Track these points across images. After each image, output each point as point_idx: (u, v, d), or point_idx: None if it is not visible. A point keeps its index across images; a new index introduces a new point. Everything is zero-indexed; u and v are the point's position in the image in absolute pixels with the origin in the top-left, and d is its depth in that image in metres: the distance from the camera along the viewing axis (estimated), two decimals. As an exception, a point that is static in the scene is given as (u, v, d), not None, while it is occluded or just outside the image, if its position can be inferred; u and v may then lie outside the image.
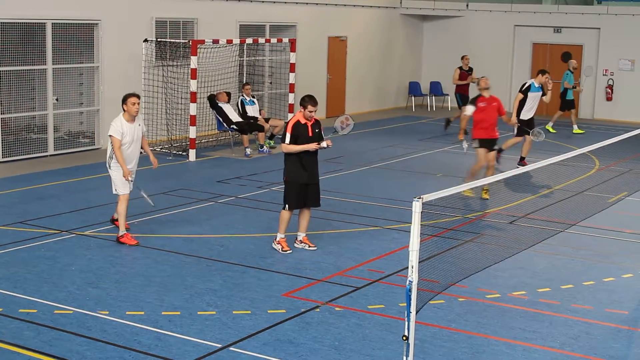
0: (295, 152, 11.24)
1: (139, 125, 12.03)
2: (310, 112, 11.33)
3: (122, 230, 11.70)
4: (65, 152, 18.28)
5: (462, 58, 24.35)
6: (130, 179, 11.76)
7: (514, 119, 17.75)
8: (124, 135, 11.68)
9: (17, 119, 17.82)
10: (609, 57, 27.43)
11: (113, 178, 11.81)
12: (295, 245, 11.64)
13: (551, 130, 24.27)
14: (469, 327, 8.96)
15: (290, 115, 21.14)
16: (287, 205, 11.40)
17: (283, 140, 11.36)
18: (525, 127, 17.78)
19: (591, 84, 27.83)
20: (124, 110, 11.87)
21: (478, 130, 14.81)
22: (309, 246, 11.61)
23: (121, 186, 11.75)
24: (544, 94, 18.35)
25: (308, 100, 11.36)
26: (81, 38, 18.51)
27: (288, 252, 11.38)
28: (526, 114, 18.06)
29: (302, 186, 11.33)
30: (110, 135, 11.71)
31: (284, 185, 11.58)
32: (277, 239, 11.52)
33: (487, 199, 14.63)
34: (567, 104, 24.57)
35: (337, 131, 12.04)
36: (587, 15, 27.70)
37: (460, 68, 24.05)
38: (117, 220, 12.00)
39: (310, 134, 11.36)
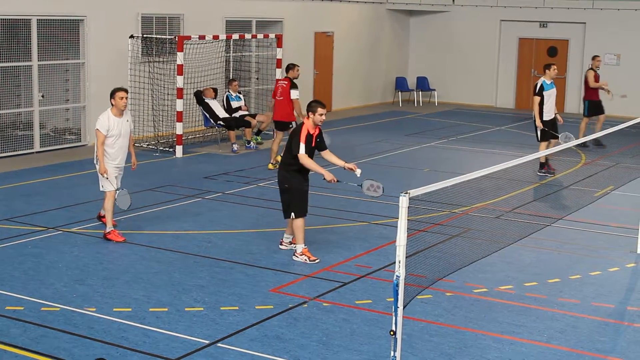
0: (310, 169, 10.68)
1: (127, 120, 11.96)
2: (321, 114, 10.66)
3: (109, 227, 11.67)
4: (51, 149, 18.21)
5: (593, 58, 21.03)
6: (106, 176, 11.67)
7: (539, 124, 16.55)
8: (109, 130, 11.64)
9: (3, 115, 17.73)
10: (595, 52, 27.40)
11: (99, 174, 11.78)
12: (282, 247, 11.37)
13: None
14: (456, 321, 8.98)
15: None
16: (294, 214, 10.84)
17: (296, 149, 10.59)
18: (549, 129, 16.55)
19: (577, 79, 27.91)
20: (112, 104, 11.77)
21: None
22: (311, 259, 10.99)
23: (107, 183, 11.70)
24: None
25: (317, 104, 10.74)
26: (67, 34, 18.43)
27: (316, 261, 10.81)
28: (547, 115, 16.62)
29: (305, 192, 10.94)
30: (96, 129, 11.65)
31: (286, 193, 10.89)
32: (299, 250, 10.89)
33: None
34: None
35: (360, 186, 10.62)
36: (572, 10, 27.77)
37: (593, 69, 20.80)
38: (104, 216, 11.97)
39: (313, 144, 10.80)
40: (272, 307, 9.23)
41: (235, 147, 18.86)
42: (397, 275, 6.79)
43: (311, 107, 10.77)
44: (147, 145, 18.95)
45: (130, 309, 9.03)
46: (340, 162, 10.89)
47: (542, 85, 16.62)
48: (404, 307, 6.93)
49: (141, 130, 19.33)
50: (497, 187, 14.66)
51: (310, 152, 10.74)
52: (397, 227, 6.76)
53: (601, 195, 14.05)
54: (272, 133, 20.96)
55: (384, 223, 12.87)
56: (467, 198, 13.94)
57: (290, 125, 16.48)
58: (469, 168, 17.27)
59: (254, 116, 19.84)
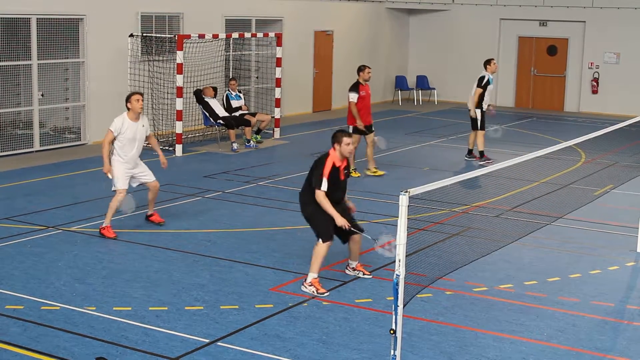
0: (324, 208, 9.65)
1: (143, 126, 12.04)
2: (347, 144, 9.66)
3: (106, 222, 11.72)
4: (51, 148, 18.21)
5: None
6: (110, 175, 11.85)
7: (476, 114, 17.69)
8: (122, 133, 11.77)
9: (2, 114, 17.73)
10: (595, 50, 27.53)
11: (114, 173, 11.87)
12: (347, 272, 10.43)
13: None
14: (456, 320, 8.98)
15: (277, 110, 21.14)
16: (321, 239, 9.79)
17: (317, 184, 9.63)
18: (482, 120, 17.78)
19: (577, 77, 27.93)
20: (127, 108, 11.90)
21: None
22: (364, 273, 10.36)
23: (119, 181, 11.87)
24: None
25: (342, 134, 9.72)
26: (66, 33, 18.43)
27: (325, 294, 9.65)
28: (484, 106, 17.85)
29: (328, 215, 9.75)
30: (108, 129, 11.93)
31: (310, 220, 9.98)
32: (309, 279, 9.76)
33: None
34: None
35: (375, 241, 9.86)
36: (572, 9, 27.77)
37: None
38: (151, 215, 12.37)
39: (342, 178, 9.87)
40: (272, 305, 9.23)
41: (235, 146, 18.85)
42: (397, 274, 6.80)
43: (336, 138, 9.73)
44: (147, 144, 18.91)
45: (130, 308, 9.03)
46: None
47: (488, 79, 17.63)
48: (404, 306, 6.94)
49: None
50: (497, 185, 14.67)
51: (336, 186, 9.79)
52: (397, 225, 6.77)
53: (601, 194, 14.05)
54: (271, 132, 21.01)
55: (384, 222, 12.87)
56: (466, 197, 13.96)
57: (350, 131, 15.63)
58: (468, 167, 17.32)
59: (254, 115, 19.83)
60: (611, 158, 18.37)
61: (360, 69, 16.20)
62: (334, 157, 9.73)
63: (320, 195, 9.61)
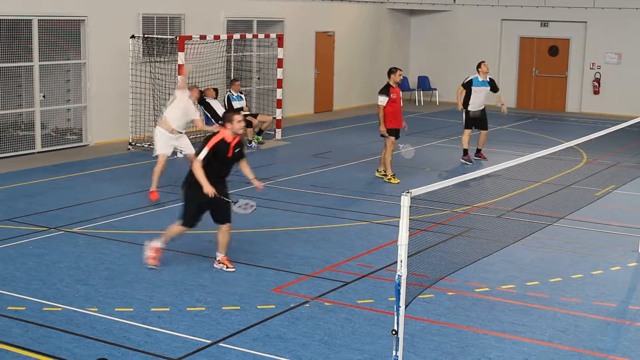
0: (196, 176, 10.04)
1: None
2: (239, 122, 10.17)
3: (153, 187, 13.34)
4: (52, 149, 18.22)
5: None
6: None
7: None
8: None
9: (4, 116, 17.74)
10: (596, 51, 27.52)
11: (156, 139, 13.69)
12: (215, 265, 10.63)
13: None
14: (458, 320, 8.98)
15: (278, 111, 21.14)
16: (181, 221, 10.46)
17: (198, 153, 10.19)
18: (473, 121, 18.18)
19: (578, 78, 27.92)
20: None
21: None
22: (227, 267, 10.51)
23: (160, 147, 13.56)
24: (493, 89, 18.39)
25: (232, 114, 10.31)
26: (68, 34, 18.44)
27: (153, 265, 10.41)
28: (472, 106, 18.12)
29: (200, 204, 10.32)
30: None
31: (184, 197, 10.49)
32: (153, 245, 10.50)
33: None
34: None
35: (235, 202, 10.42)
36: (573, 9, 27.76)
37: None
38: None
39: (229, 154, 10.26)
40: (273, 306, 9.23)
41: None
42: (398, 275, 6.79)
43: (227, 118, 10.26)
44: (149, 145, 18.94)
45: (132, 309, 9.03)
46: (251, 175, 10.60)
47: (471, 80, 18.15)
48: (406, 307, 6.94)
49: (142, 131, 19.34)
50: (498, 186, 14.67)
51: (222, 161, 10.20)
52: (398, 226, 6.76)
53: (602, 195, 14.04)
54: (273, 133, 21.01)
55: (386, 222, 12.87)
56: (468, 197, 13.96)
57: (382, 135, 15.82)
58: (470, 167, 17.31)
59: (255, 116, 19.83)
60: (613, 158, 18.36)
61: (392, 71, 15.89)
62: (224, 133, 10.23)
63: (197, 164, 10.07)
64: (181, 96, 13.88)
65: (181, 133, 13.95)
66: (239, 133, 10.29)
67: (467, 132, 18.13)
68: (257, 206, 10.58)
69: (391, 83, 15.76)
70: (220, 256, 10.58)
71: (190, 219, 10.40)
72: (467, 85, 18.12)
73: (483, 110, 18.19)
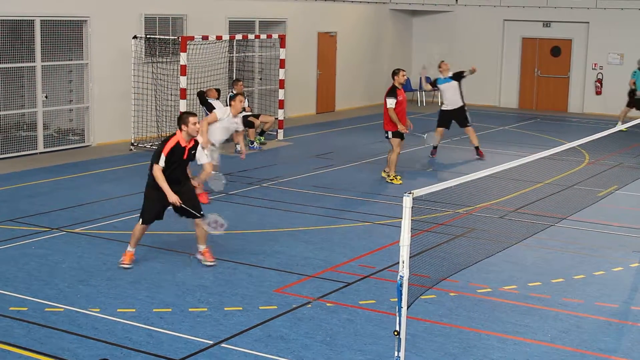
0: (159, 183, 10.20)
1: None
2: (194, 124, 10.28)
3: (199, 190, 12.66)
4: (55, 150, 18.23)
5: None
6: (206, 151, 13.27)
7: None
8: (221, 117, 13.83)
9: (6, 116, 17.74)
10: (598, 51, 27.50)
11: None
12: (197, 256, 10.78)
13: (624, 129, 23.49)
14: (460, 321, 8.97)
15: (280, 112, 21.14)
16: (141, 219, 10.56)
17: (157, 160, 10.22)
18: (446, 119, 18.99)
19: (580, 78, 27.91)
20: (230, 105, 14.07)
21: None
22: (207, 260, 10.69)
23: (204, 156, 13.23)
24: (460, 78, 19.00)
25: (187, 115, 10.33)
26: (70, 35, 18.45)
27: (127, 266, 10.48)
28: (445, 106, 19.06)
29: (157, 202, 10.50)
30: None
31: (145, 196, 10.61)
32: (126, 252, 10.61)
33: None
34: (636, 103, 23.68)
35: (203, 216, 10.66)
36: (576, 10, 27.74)
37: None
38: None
39: (184, 157, 10.42)
40: (275, 307, 9.23)
41: (238, 147, 18.81)
42: (400, 276, 6.79)
43: (182, 119, 10.32)
44: (151, 145, 18.96)
45: (134, 310, 9.03)
46: (197, 179, 11.43)
47: (436, 79, 19.21)
48: (408, 307, 6.93)
49: (144, 131, 19.35)
50: (500, 187, 14.65)
51: (178, 164, 10.33)
52: (400, 227, 6.76)
53: (605, 195, 14.03)
54: (275, 133, 21.01)
55: (387, 223, 12.87)
56: (470, 198, 13.94)
57: (386, 136, 15.92)
58: (472, 168, 17.31)
59: (257, 117, 19.83)
60: (615, 159, 18.34)
61: (395, 72, 16.06)
62: (179, 137, 10.31)
63: (157, 170, 10.21)
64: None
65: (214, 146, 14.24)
66: (193, 135, 10.40)
67: (439, 130, 18.92)
68: (226, 224, 10.77)
69: (396, 84, 15.79)
70: (202, 248, 10.71)
71: (150, 217, 10.54)
72: (434, 86, 19.32)
73: (460, 108, 18.86)
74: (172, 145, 10.26)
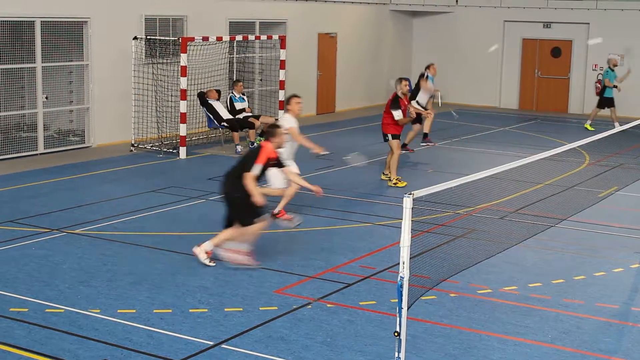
0: (249, 189, 10.44)
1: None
2: (283, 135, 11.01)
3: (278, 209, 12.55)
4: (55, 151, 18.23)
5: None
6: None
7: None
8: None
9: (7, 117, 17.75)
10: (599, 52, 27.49)
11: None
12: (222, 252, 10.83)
13: (589, 128, 23.77)
14: (460, 322, 8.97)
15: (280, 112, 21.13)
16: (255, 219, 10.70)
17: (251, 168, 10.54)
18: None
19: (581, 79, 27.92)
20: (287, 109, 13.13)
21: None
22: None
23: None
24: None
25: (277, 128, 10.97)
26: (70, 36, 18.45)
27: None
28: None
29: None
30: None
31: (244, 203, 10.58)
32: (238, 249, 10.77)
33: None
34: (606, 102, 23.80)
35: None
36: (576, 11, 27.75)
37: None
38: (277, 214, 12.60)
39: (269, 167, 11.03)
40: (276, 308, 9.23)
41: (238, 148, 18.86)
42: (401, 276, 6.79)
43: (273, 132, 10.84)
44: (151, 146, 18.97)
45: (134, 311, 9.03)
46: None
47: (428, 78, 20.17)
48: (408, 308, 6.93)
49: (145, 132, 19.35)
50: (501, 187, 14.65)
51: (263, 174, 10.89)
52: (401, 228, 6.76)
53: (605, 196, 14.03)
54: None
55: (388, 224, 12.87)
56: (471, 199, 13.94)
57: (385, 139, 16.01)
58: (472, 169, 17.30)
59: (257, 117, 19.83)
60: (615, 160, 18.34)
61: (398, 82, 16.12)
62: (270, 148, 10.72)
63: (250, 178, 10.44)
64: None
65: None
66: (282, 147, 11.02)
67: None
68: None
69: (399, 94, 15.89)
70: (213, 246, 10.75)
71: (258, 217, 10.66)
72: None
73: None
74: (269, 156, 10.64)
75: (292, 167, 12.61)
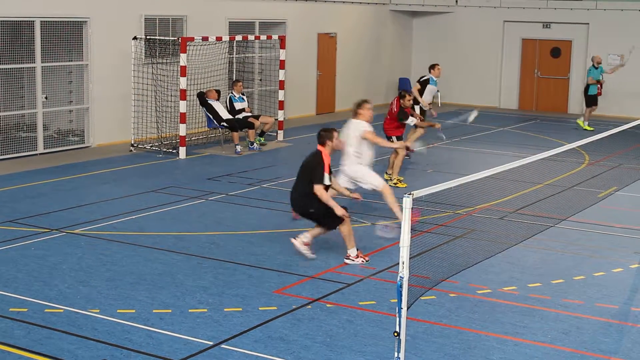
0: (324, 200, 10.56)
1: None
2: (337, 138, 10.89)
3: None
4: (54, 151, 18.22)
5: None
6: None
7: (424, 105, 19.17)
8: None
9: (6, 117, 17.74)
10: (598, 52, 27.43)
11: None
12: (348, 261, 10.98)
13: (588, 128, 23.71)
14: (460, 322, 8.97)
15: (280, 113, 21.14)
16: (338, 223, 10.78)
17: (320, 180, 10.56)
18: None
19: (580, 79, 27.91)
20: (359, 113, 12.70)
21: None
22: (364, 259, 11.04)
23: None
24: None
25: (331, 131, 10.84)
26: (70, 36, 18.45)
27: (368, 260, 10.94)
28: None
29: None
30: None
31: (320, 212, 10.72)
32: (353, 254, 10.89)
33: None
34: (589, 100, 23.84)
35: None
36: (576, 11, 27.76)
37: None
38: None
39: (329, 172, 10.88)
40: (275, 308, 9.23)
41: (238, 148, 18.86)
42: (400, 276, 6.79)
43: (327, 136, 10.78)
44: (151, 146, 18.97)
45: (134, 311, 9.03)
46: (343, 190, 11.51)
47: (429, 79, 19.19)
48: (408, 308, 6.93)
49: (144, 132, 19.35)
50: (500, 188, 14.65)
51: (329, 179, 10.84)
52: (400, 228, 6.76)
53: (605, 196, 14.03)
54: (275, 134, 21.01)
55: (387, 224, 12.85)
56: (470, 199, 13.94)
57: (392, 140, 16.12)
58: (472, 169, 17.30)
59: (257, 117, 19.83)
60: (615, 160, 18.34)
61: (402, 95, 16.26)
62: (326, 153, 10.74)
63: (321, 189, 10.53)
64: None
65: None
66: (337, 149, 11.00)
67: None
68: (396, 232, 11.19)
69: (402, 106, 16.23)
70: (355, 251, 10.94)
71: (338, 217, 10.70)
72: (424, 83, 19.22)
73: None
74: (329, 162, 10.69)
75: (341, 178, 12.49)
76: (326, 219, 10.77)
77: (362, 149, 12.50)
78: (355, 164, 12.44)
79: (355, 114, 12.78)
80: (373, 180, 12.47)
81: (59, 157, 17.75)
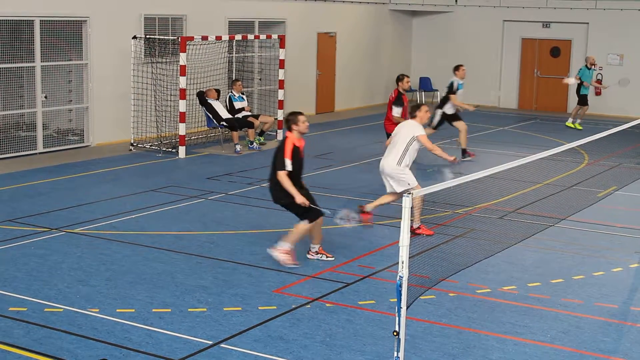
0: (285, 188, 10.42)
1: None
2: (304, 122, 10.54)
3: (416, 223, 11.95)
4: (54, 150, 18.22)
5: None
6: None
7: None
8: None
9: (6, 116, 17.74)
10: (598, 52, 27.47)
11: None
12: (310, 257, 11.06)
13: (578, 127, 23.71)
14: (459, 322, 8.97)
15: (280, 112, 21.13)
16: (307, 220, 10.69)
17: (280, 165, 10.41)
18: (450, 120, 18.91)
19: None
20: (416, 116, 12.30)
21: None
22: (327, 256, 11.05)
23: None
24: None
25: (296, 115, 10.57)
26: (70, 35, 18.44)
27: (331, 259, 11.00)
28: (451, 110, 18.92)
29: (308, 195, 10.75)
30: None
31: (291, 205, 10.67)
32: (284, 248, 10.75)
33: None
34: (580, 99, 23.84)
35: (334, 217, 11.62)
36: (575, 10, 27.75)
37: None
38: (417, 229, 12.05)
39: (302, 156, 10.66)
40: (275, 307, 9.23)
41: (238, 147, 18.86)
42: (400, 276, 6.79)
43: (292, 120, 10.54)
44: (150, 146, 18.97)
45: (133, 310, 9.03)
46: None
47: (455, 83, 18.74)
48: (407, 308, 6.93)
49: (144, 131, 19.34)
50: (500, 187, 14.66)
51: (299, 165, 10.59)
52: (400, 227, 6.76)
53: (604, 196, 14.03)
54: (274, 134, 21.01)
55: (387, 223, 12.87)
56: (470, 198, 13.94)
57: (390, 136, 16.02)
58: (472, 169, 17.30)
59: (257, 117, 19.84)
60: (614, 160, 18.35)
61: (400, 78, 16.02)
62: (293, 138, 10.49)
63: (282, 175, 10.38)
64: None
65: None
66: (304, 132, 10.61)
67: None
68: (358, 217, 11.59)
69: (401, 90, 15.87)
70: (316, 247, 11.02)
71: (315, 213, 10.66)
72: (455, 91, 18.79)
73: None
74: (292, 148, 10.42)
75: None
76: (297, 209, 10.65)
77: (409, 150, 12.37)
78: (395, 163, 12.33)
79: (412, 116, 12.42)
80: (408, 180, 12.27)
81: (59, 157, 17.75)
